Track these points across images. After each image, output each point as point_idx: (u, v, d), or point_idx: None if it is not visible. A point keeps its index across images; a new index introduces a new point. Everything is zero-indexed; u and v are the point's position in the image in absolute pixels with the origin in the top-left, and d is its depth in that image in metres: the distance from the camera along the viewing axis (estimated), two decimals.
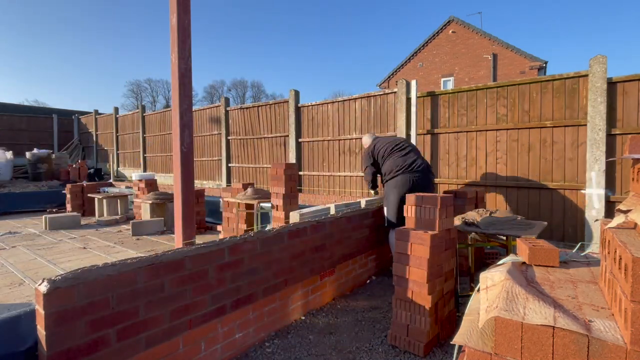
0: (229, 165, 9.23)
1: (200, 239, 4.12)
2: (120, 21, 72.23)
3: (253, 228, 4.82)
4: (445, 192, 4.02)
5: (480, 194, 4.16)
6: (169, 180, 10.76)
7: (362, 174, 4.23)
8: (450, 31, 19.27)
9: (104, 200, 7.28)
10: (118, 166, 13.77)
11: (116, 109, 13.94)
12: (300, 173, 7.52)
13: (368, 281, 3.61)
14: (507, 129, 4.98)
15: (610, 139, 4.30)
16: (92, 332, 1.56)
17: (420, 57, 20.23)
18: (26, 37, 68.44)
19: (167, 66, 3.32)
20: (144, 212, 6.39)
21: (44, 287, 1.43)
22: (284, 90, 70.11)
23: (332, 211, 3.91)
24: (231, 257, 2.19)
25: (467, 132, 5.33)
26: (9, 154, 11.84)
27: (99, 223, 6.86)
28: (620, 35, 64.12)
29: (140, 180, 6.98)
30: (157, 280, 1.80)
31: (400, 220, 3.49)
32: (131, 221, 5.93)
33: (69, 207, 7.85)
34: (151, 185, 6.99)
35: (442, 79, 19.42)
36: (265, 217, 5.08)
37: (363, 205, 4.03)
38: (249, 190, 4.77)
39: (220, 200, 5.85)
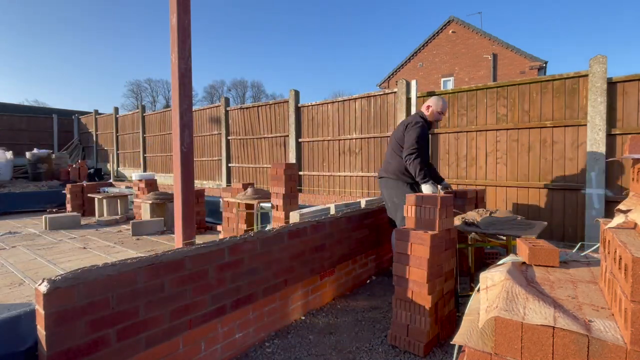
0: (229, 165, 9.23)
1: (200, 239, 4.12)
2: (120, 21, 72.32)
3: (253, 228, 4.82)
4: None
5: (480, 194, 4.16)
6: (169, 180, 10.76)
7: (412, 159, 3.10)
8: (450, 31, 19.28)
9: (104, 200, 7.28)
10: (118, 166, 13.77)
11: (116, 109, 13.94)
12: (300, 173, 7.52)
13: (368, 281, 3.61)
14: (507, 129, 4.98)
15: (610, 139, 4.31)
16: (92, 332, 1.56)
17: (420, 57, 20.24)
18: (26, 37, 68.54)
19: (167, 66, 3.32)
20: (144, 212, 6.39)
21: (44, 287, 1.43)
22: (284, 90, 70.13)
23: (332, 211, 3.91)
24: (231, 257, 2.19)
25: (467, 132, 5.33)
26: (9, 154, 11.84)
27: (99, 223, 6.86)
28: (620, 35, 64.16)
29: (140, 180, 6.98)
30: (157, 280, 1.80)
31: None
32: (131, 221, 5.93)
33: (69, 207, 7.85)
34: (151, 185, 6.99)
35: (442, 79, 19.43)
36: (265, 217, 5.08)
37: (363, 205, 4.03)
38: (249, 190, 4.77)
39: (220, 200, 5.85)
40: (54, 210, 8.47)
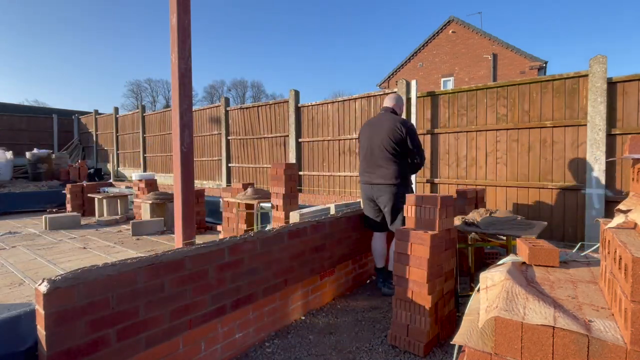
0: (229, 165, 9.23)
1: (200, 239, 4.12)
2: (120, 21, 72.35)
3: (253, 228, 4.82)
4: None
5: (480, 194, 4.16)
6: (169, 180, 10.77)
7: (417, 161, 3.28)
8: (450, 31, 19.28)
9: (104, 200, 7.28)
10: (118, 166, 13.77)
11: (116, 109, 13.94)
12: (300, 173, 7.52)
13: (368, 281, 3.61)
14: (507, 129, 4.98)
15: (610, 139, 4.31)
16: (92, 332, 1.56)
17: (420, 57, 20.24)
18: (26, 37, 68.56)
19: (167, 66, 3.32)
20: (144, 212, 6.39)
21: (44, 287, 1.43)
22: (284, 90, 70.15)
23: (332, 211, 3.92)
24: (231, 257, 2.19)
25: (467, 132, 5.33)
26: (9, 154, 11.84)
27: (99, 223, 6.86)
28: (620, 35, 64.16)
29: (140, 180, 6.98)
30: (157, 280, 1.80)
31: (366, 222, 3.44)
32: (131, 221, 5.93)
33: (69, 207, 7.85)
34: (151, 185, 6.99)
35: (442, 79, 19.43)
36: (265, 217, 5.08)
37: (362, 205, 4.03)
38: (249, 190, 4.77)
39: (220, 200, 5.85)
40: (54, 210, 8.47)
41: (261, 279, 2.40)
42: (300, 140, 7.53)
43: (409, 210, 2.39)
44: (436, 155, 5.64)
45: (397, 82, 6.13)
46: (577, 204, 4.50)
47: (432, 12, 70.21)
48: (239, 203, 4.82)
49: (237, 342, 2.25)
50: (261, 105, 8.39)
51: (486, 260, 3.90)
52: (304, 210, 3.79)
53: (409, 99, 5.88)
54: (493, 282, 1.28)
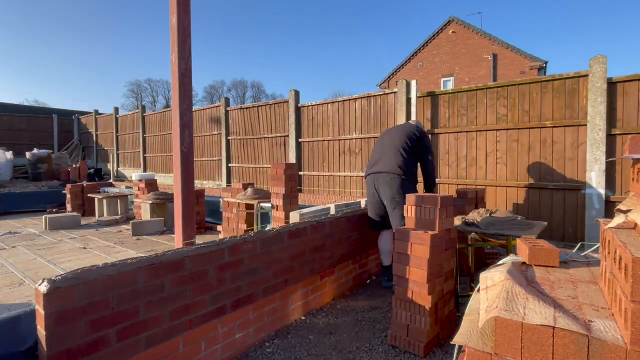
0: (229, 165, 9.23)
1: (200, 239, 4.12)
2: (120, 21, 72.33)
3: (253, 228, 4.82)
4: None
5: (480, 194, 4.16)
6: (169, 180, 10.77)
7: (432, 164, 3.51)
8: (450, 31, 19.28)
9: (104, 200, 7.28)
10: (118, 166, 13.77)
11: (116, 109, 13.94)
12: (300, 173, 7.52)
13: (368, 281, 3.61)
14: (507, 129, 4.98)
15: (610, 139, 4.31)
16: (92, 332, 1.56)
17: (420, 57, 20.23)
18: (26, 37, 68.54)
19: (167, 66, 3.32)
20: (144, 212, 6.39)
21: (44, 287, 1.43)
22: (284, 90, 70.17)
23: (332, 211, 3.92)
24: (231, 257, 2.19)
25: (467, 132, 5.33)
26: (9, 154, 11.85)
27: (99, 223, 6.86)
28: (620, 35, 64.18)
29: (140, 180, 6.98)
30: (157, 280, 1.80)
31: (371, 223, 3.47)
32: (131, 221, 5.93)
33: (69, 207, 7.85)
34: (151, 185, 6.99)
35: (442, 79, 19.43)
36: (265, 217, 5.08)
37: (363, 205, 4.03)
38: (249, 190, 4.77)
39: (220, 200, 5.85)
40: (54, 210, 8.47)
41: (261, 279, 2.40)
42: (300, 140, 7.53)
43: (409, 210, 2.39)
44: (436, 156, 5.63)
45: (397, 82, 6.13)
46: (577, 204, 4.50)
47: (432, 12, 70.23)
48: (239, 203, 4.82)
49: (237, 342, 2.25)
50: (261, 105, 8.39)
51: (486, 260, 3.90)
52: (304, 210, 3.80)
53: (409, 99, 5.88)
54: (493, 282, 1.28)
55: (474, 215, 3.01)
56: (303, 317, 2.76)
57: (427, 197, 2.32)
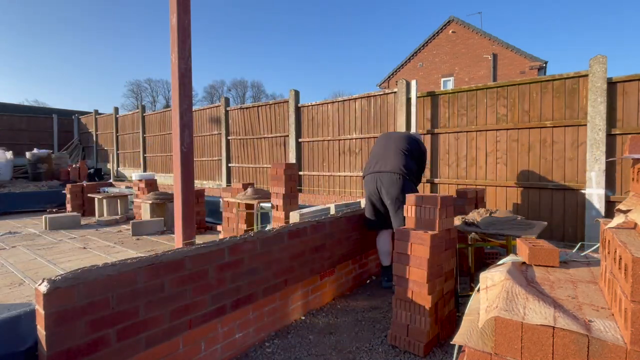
0: (229, 165, 9.23)
1: (200, 239, 4.12)
2: (120, 21, 72.29)
3: (253, 228, 4.82)
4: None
5: (480, 194, 4.16)
6: (169, 180, 10.77)
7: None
8: (450, 31, 19.27)
9: (104, 200, 7.28)
10: (118, 166, 13.77)
11: (116, 109, 13.94)
12: (300, 173, 7.52)
13: (368, 281, 3.61)
14: (507, 129, 4.98)
15: (610, 139, 4.31)
16: (92, 332, 1.56)
17: (420, 57, 20.23)
18: (26, 37, 68.51)
19: (167, 66, 3.32)
20: (144, 212, 6.39)
21: (44, 287, 1.43)
22: (284, 90, 70.15)
23: (332, 211, 3.92)
24: (231, 257, 2.19)
25: (467, 132, 5.33)
26: (9, 154, 11.84)
27: (99, 223, 6.86)
28: (620, 35, 64.17)
29: (140, 180, 6.98)
30: (157, 280, 1.80)
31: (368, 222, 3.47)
32: (131, 221, 5.93)
33: (69, 207, 7.85)
34: (151, 185, 6.99)
35: (442, 79, 19.42)
36: (265, 217, 5.08)
37: (363, 205, 4.03)
38: (249, 190, 4.77)
39: (220, 200, 5.85)
40: (54, 210, 8.47)
41: (261, 279, 2.40)
42: (300, 140, 7.53)
43: (409, 210, 2.39)
44: (436, 155, 5.64)
45: (397, 82, 6.13)
46: (577, 204, 4.50)
47: (432, 12, 70.18)
48: (239, 203, 4.82)
49: (237, 342, 2.25)
50: (261, 105, 8.39)
51: (486, 260, 3.90)
52: (304, 210, 3.79)
53: (409, 99, 5.88)
54: (493, 282, 1.28)
55: (474, 215, 3.01)
56: (303, 317, 2.76)
57: (427, 197, 2.32)
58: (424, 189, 5.76)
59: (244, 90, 51.82)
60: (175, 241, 3.29)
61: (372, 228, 3.44)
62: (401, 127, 5.86)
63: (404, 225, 2.77)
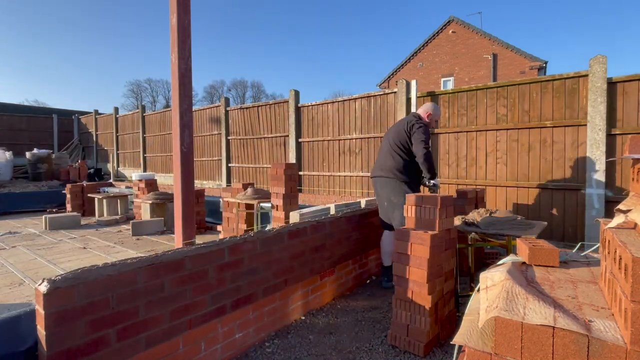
0: (229, 165, 9.23)
1: (200, 239, 4.12)
2: (120, 21, 72.35)
3: (253, 228, 4.82)
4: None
5: (480, 194, 4.16)
6: (169, 180, 10.77)
7: (427, 155, 3.15)
8: (450, 31, 19.27)
9: (104, 200, 7.28)
10: (118, 166, 13.77)
11: (116, 109, 13.94)
12: (300, 173, 7.52)
13: (368, 281, 3.61)
14: (507, 129, 4.98)
15: (610, 139, 4.31)
16: (92, 332, 1.56)
17: (420, 57, 20.23)
18: (26, 37, 68.56)
19: (167, 66, 3.32)
20: (144, 212, 6.38)
21: (44, 287, 1.43)
22: (284, 90, 70.15)
23: (332, 211, 3.91)
24: (231, 257, 2.19)
25: (467, 132, 5.33)
26: (9, 154, 11.84)
27: (99, 223, 6.86)
28: (621, 35, 64.17)
29: (140, 180, 6.98)
30: (157, 280, 1.80)
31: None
32: (131, 221, 5.93)
33: (69, 207, 7.84)
34: (151, 185, 6.99)
35: (442, 79, 19.43)
36: (265, 217, 5.08)
37: (363, 205, 4.03)
38: (249, 190, 4.77)
39: (220, 200, 5.85)
40: (54, 210, 8.47)
41: (261, 279, 2.40)
42: (300, 140, 7.53)
43: (409, 210, 2.39)
44: (436, 155, 5.64)
45: (397, 82, 6.13)
46: (577, 204, 4.50)
47: (432, 12, 70.25)
48: (239, 203, 4.82)
49: (237, 342, 2.25)
50: (261, 105, 8.38)
51: (486, 260, 3.90)
52: (304, 210, 3.79)
53: (409, 99, 5.87)
54: (493, 282, 1.28)
55: (474, 215, 3.01)
56: (303, 317, 2.76)
57: (427, 197, 2.32)
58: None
59: (244, 90, 51.88)
60: (175, 241, 3.29)
61: (384, 227, 3.50)
62: None
63: (402, 225, 2.79)
